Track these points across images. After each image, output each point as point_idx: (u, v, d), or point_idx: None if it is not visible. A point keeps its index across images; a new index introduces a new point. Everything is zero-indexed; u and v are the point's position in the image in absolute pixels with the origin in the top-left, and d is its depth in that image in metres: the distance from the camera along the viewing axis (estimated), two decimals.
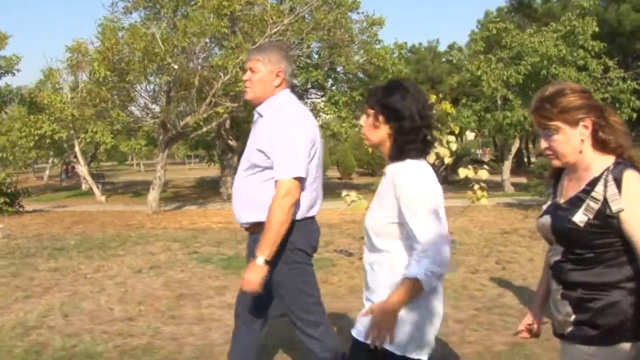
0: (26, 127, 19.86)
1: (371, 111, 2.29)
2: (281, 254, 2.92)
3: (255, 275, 2.81)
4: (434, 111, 2.69)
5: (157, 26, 13.66)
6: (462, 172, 7.76)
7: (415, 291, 2.10)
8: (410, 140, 2.22)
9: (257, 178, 2.97)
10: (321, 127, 17.67)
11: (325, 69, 16.98)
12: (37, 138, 20.01)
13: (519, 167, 28.88)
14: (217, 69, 13.77)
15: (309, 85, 17.17)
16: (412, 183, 2.16)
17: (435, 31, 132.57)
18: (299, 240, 2.97)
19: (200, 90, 13.96)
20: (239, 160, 17.33)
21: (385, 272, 2.24)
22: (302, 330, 3.07)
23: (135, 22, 17.12)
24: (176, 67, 13.13)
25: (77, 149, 20.74)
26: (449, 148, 7.78)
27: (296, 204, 2.86)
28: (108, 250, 9.71)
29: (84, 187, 26.26)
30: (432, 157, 7.64)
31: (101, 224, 13.75)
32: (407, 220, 2.13)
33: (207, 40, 13.99)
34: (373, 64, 16.68)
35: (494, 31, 18.62)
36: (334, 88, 17.68)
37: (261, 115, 3.03)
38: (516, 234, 10.48)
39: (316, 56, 17.12)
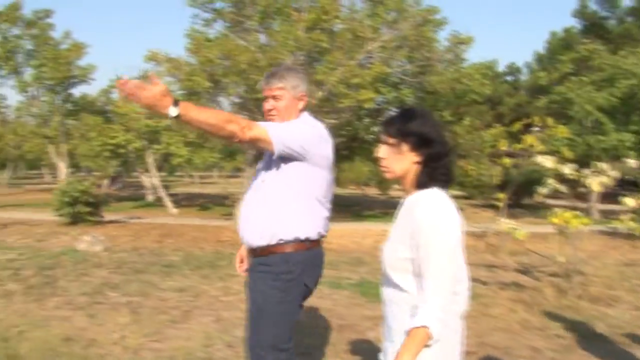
0: (101, 136, 19.88)
1: (393, 140, 2.16)
2: (275, 282, 2.87)
3: (152, 96, 2.42)
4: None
5: (251, 39, 13.40)
6: (629, 201, 7.21)
7: (426, 339, 1.97)
8: (441, 166, 2.13)
9: (268, 199, 2.93)
10: None
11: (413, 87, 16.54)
12: (111, 147, 20.00)
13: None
14: (312, 84, 13.45)
15: (392, 106, 16.66)
16: (431, 218, 2.04)
17: (491, 51, 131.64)
18: (305, 273, 2.92)
19: None
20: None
21: (404, 314, 2.10)
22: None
23: (221, 33, 17.02)
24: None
25: (150, 159, 20.63)
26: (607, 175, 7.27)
27: (234, 136, 2.65)
28: (220, 269, 9.33)
29: (149, 197, 26.20)
30: (596, 186, 7.16)
31: (192, 239, 13.44)
32: (421, 257, 2.03)
33: (302, 55, 13.66)
34: (462, 83, 16.17)
35: (585, 52, 17.98)
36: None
37: None
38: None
39: (402, 74, 16.67)
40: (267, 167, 3.00)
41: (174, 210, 20.24)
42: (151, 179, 26.44)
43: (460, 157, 31.28)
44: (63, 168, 22.10)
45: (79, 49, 20.86)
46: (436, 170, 2.13)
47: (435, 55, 16.01)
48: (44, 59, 20.56)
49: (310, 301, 7.13)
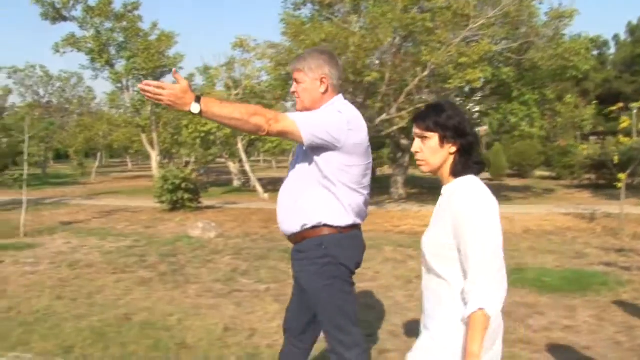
0: (192, 124, 20.15)
1: (430, 133, 2.23)
2: (317, 267, 2.87)
3: (174, 94, 2.53)
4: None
5: (342, 21, 13.15)
6: None
7: (486, 322, 2.00)
8: (474, 155, 2.22)
9: (301, 187, 2.92)
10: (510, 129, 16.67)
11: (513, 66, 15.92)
12: (202, 135, 20.26)
13: None
14: (414, 65, 13.14)
15: (492, 84, 16.06)
16: (472, 203, 2.10)
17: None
18: (341, 254, 2.87)
19: (401, 87, 13.39)
20: (410, 159, 16.61)
21: (446, 304, 2.16)
22: (335, 350, 2.93)
23: (307, 17, 16.86)
24: (377, 62, 12.61)
25: (239, 145, 20.80)
26: None
27: (260, 129, 2.63)
28: None
29: (235, 183, 26.50)
30: None
31: None
32: (465, 242, 2.07)
33: (401, 35, 13.30)
34: (566, 59, 15.44)
35: None
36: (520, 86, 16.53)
37: None
38: None
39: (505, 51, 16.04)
40: (299, 156, 2.99)
41: (265, 195, 20.33)
42: (236, 165, 26.78)
43: (557, 136, 30.25)
44: (154, 156, 22.59)
45: (169, 39, 21.21)
46: (470, 159, 2.22)
47: (535, 31, 15.34)
48: (136, 50, 21.01)
49: None
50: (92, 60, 22.32)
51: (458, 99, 17.19)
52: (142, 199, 21.34)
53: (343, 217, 2.89)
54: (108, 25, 21.86)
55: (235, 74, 22.91)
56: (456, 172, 2.23)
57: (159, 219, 14.78)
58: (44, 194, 23.50)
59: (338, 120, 2.81)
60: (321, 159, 2.84)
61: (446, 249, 2.14)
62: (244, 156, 20.85)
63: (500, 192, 22.13)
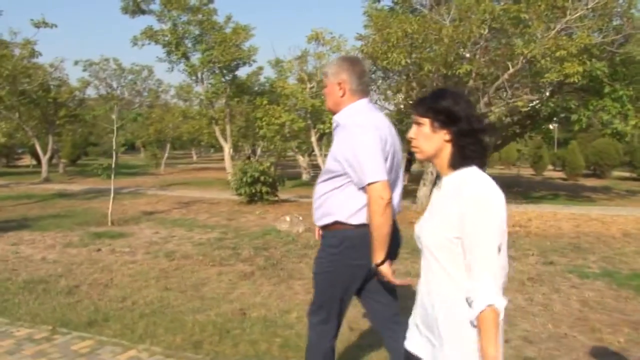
0: (267, 116, 20.11)
1: (424, 119, 2.16)
2: (329, 256, 3.12)
3: (386, 274, 2.95)
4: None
5: (443, 13, 12.76)
6: None
7: (496, 318, 1.91)
8: (471, 143, 2.08)
9: (330, 184, 3.08)
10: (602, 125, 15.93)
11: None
12: (277, 127, 20.19)
13: None
14: (505, 59, 12.65)
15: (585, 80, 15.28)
16: (482, 197, 1.99)
17: None
18: (354, 249, 3.05)
19: (491, 81, 12.93)
20: (489, 155, 15.99)
21: (453, 302, 2.05)
22: (308, 315, 3.34)
23: (383, 9, 16.52)
24: (467, 55, 12.20)
25: (313, 139, 20.65)
26: None
27: (390, 204, 2.89)
28: None
29: (304, 177, 26.43)
30: None
31: None
32: (470, 236, 1.98)
33: (488, 28, 12.79)
34: None
35: None
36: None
37: (338, 124, 3.13)
38: None
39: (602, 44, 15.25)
40: (328, 159, 3.15)
41: None
42: (306, 159, 26.71)
43: None
44: (227, 149, 22.68)
45: (245, 31, 21.22)
46: (466, 148, 2.09)
47: (632, 24, 14.56)
48: (213, 43, 21.11)
49: (568, 291, 6.64)
50: (168, 53, 22.57)
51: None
52: (215, 190, 21.50)
53: (351, 215, 3.05)
54: (184, 18, 22.01)
55: (308, 67, 22.77)
56: (454, 164, 2.13)
57: (238, 211, 14.76)
58: (118, 184, 23.91)
59: (376, 147, 2.96)
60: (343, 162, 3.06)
61: (452, 242, 2.05)
62: (317, 149, 20.68)
63: (579, 193, 21.38)
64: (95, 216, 13.58)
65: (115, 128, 13.38)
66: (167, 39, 22.08)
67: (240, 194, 16.25)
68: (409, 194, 19.25)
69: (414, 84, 13.72)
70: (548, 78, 12.04)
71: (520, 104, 12.84)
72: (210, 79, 22.82)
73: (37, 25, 15.09)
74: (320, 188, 3.17)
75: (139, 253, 8.83)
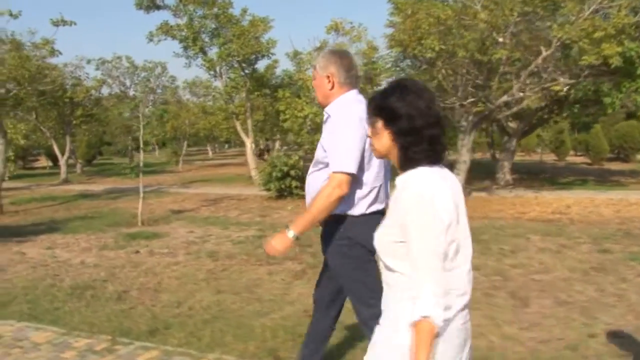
0: (290, 109, 19.78)
1: (374, 117, 2.08)
2: (338, 247, 3.09)
3: (279, 243, 2.95)
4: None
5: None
6: None
7: (432, 330, 1.82)
8: (413, 143, 1.97)
9: (321, 174, 3.09)
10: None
11: None
12: (301, 120, 19.86)
13: None
14: (538, 42, 12.23)
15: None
16: (413, 200, 1.90)
17: None
18: (357, 235, 3.00)
19: (524, 66, 12.52)
20: (517, 143, 15.65)
21: (398, 298, 2.00)
22: (362, 321, 3.12)
23: None
24: (501, 40, 11.79)
25: None
26: None
27: (343, 198, 2.92)
28: (488, 243, 8.67)
29: None
30: None
31: None
32: (409, 244, 1.90)
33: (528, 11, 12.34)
34: None
35: None
36: None
37: (329, 116, 3.13)
38: None
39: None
40: (321, 148, 3.15)
41: None
42: None
43: None
44: (249, 144, 22.36)
45: (264, 23, 20.85)
46: (409, 149, 1.99)
47: None
48: (231, 36, 20.75)
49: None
50: (185, 48, 22.22)
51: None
52: (239, 186, 21.26)
53: (358, 206, 3.05)
54: (200, 12, 21.64)
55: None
56: (400, 165, 2.05)
57: (269, 207, 14.49)
58: (138, 183, 23.75)
59: (357, 141, 2.94)
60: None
61: (396, 246, 1.97)
62: None
63: (607, 177, 20.92)
64: (124, 216, 13.38)
65: (141, 126, 13.13)
66: (183, 33, 21.71)
67: (268, 189, 15.97)
68: None
69: (445, 71, 13.29)
70: (586, 60, 11.61)
71: (557, 88, 12.43)
72: (229, 73, 22.45)
73: (56, 24, 14.80)
74: (312, 178, 3.21)
75: (180, 254, 8.57)
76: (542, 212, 12.35)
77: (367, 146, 2.93)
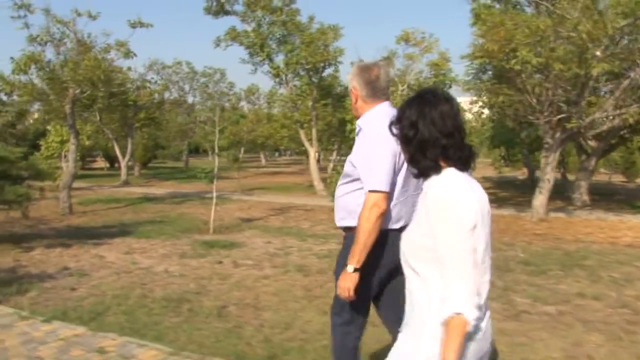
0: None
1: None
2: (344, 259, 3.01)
3: (346, 282, 2.93)
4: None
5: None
6: None
7: (464, 327, 1.85)
8: (421, 152, 2.07)
9: (349, 187, 3.12)
10: None
11: None
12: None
13: None
14: (635, 57, 11.46)
15: None
16: (440, 201, 1.95)
17: None
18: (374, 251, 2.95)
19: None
20: (596, 162, 14.75)
21: (424, 303, 2.03)
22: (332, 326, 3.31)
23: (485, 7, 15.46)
24: (598, 53, 11.08)
25: None
26: None
27: (383, 216, 2.89)
28: (594, 270, 8.02)
29: None
30: None
31: (502, 230, 12.19)
32: (438, 243, 1.93)
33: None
34: None
35: None
36: None
37: (360, 129, 3.11)
38: None
39: None
40: (346, 164, 3.18)
41: None
42: None
43: None
44: (313, 153, 22.00)
45: (335, 31, 20.48)
46: (415, 157, 2.10)
47: None
48: (300, 44, 20.46)
49: None
50: (251, 54, 22.04)
51: None
52: (301, 196, 20.91)
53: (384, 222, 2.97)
54: (269, 18, 21.43)
55: (393, 69, 21.89)
56: (419, 172, 2.12)
57: None
58: (197, 188, 23.70)
59: (388, 158, 2.91)
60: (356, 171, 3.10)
61: (423, 250, 2.01)
62: None
63: None
64: (193, 222, 13.13)
65: (216, 130, 12.92)
66: (251, 40, 21.52)
67: None
68: (517, 203, 18.25)
69: (531, 86, 12.55)
70: None
71: None
72: (295, 80, 22.16)
73: (133, 26, 14.71)
74: (340, 190, 3.20)
75: (266, 267, 8.17)
76: (636, 237, 11.56)
77: (396, 159, 2.96)
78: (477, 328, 1.93)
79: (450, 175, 2.04)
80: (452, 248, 1.89)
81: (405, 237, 2.14)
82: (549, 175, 13.39)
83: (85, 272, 7.63)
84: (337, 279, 3.06)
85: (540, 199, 13.52)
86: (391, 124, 2.18)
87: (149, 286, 6.89)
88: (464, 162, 2.07)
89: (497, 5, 15.20)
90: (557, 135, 13.04)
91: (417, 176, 2.15)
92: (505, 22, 12.47)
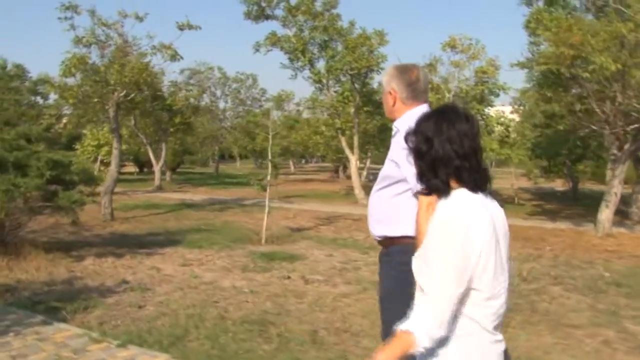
0: None
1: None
2: (396, 271, 2.84)
3: None
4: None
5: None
6: None
7: (409, 345, 1.81)
8: (432, 170, 1.95)
9: (390, 191, 2.94)
10: None
11: None
12: None
13: None
14: None
15: None
16: (439, 223, 1.87)
17: None
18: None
19: None
20: None
21: None
22: None
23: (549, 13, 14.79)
24: None
25: None
26: None
27: None
28: None
29: None
30: None
31: (567, 245, 11.48)
32: (427, 262, 1.87)
33: None
34: None
35: None
36: None
37: (398, 130, 2.95)
38: None
39: None
40: (387, 167, 2.99)
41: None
42: None
43: None
44: (354, 161, 21.42)
45: (380, 36, 19.91)
46: (429, 175, 1.96)
47: None
48: (343, 49, 19.95)
49: None
50: (291, 59, 21.55)
51: None
52: (341, 204, 20.36)
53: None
54: (310, 23, 20.92)
55: (436, 77, 21.27)
56: (427, 190, 2.01)
57: None
58: (232, 194, 23.26)
59: None
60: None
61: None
62: None
63: None
64: (241, 231, 12.71)
65: (270, 135, 12.44)
66: (292, 45, 21.02)
67: None
68: (567, 216, 17.49)
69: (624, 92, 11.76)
70: None
71: None
72: (336, 86, 21.62)
73: (181, 28, 14.29)
74: (378, 197, 3.01)
75: (339, 283, 7.61)
76: None
77: None
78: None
79: (459, 197, 1.91)
80: (435, 272, 1.83)
81: (416, 255, 2.00)
82: (615, 188, 12.67)
83: (147, 287, 7.12)
84: (387, 304, 2.89)
85: (606, 213, 12.80)
86: (407, 135, 2.03)
87: (221, 304, 6.34)
88: (479, 185, 1.93)
89: (553, 11, 14.53)
90: (626, 146, 12.32)
91: (424, 193, 2.05)
92: (572, 27, 11.83)
